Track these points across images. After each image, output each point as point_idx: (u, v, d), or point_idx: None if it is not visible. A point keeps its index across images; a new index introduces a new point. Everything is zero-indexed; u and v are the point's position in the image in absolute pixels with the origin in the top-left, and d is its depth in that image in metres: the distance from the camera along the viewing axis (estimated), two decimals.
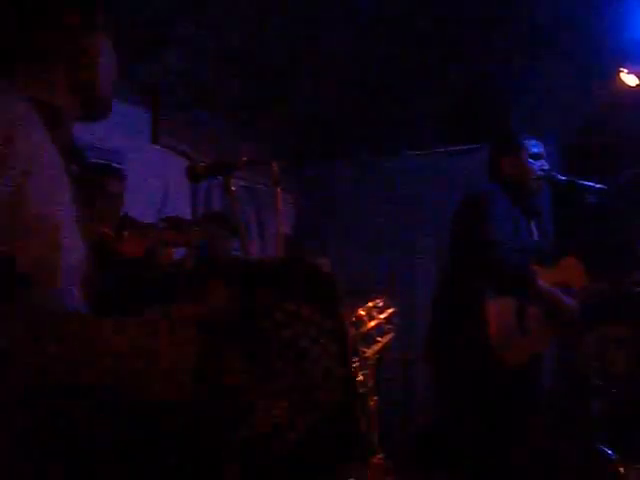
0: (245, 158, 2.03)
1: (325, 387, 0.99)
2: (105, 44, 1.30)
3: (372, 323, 3.44)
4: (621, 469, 3.21)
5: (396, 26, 4.31)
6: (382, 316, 3.42)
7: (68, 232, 1.07)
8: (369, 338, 3.45)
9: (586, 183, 3.19)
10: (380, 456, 3.53)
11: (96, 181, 2.99)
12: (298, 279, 1.01)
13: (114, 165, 3.40)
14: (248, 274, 1.00)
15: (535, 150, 3.22)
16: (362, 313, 3.36)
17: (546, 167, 3.22)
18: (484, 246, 2.93)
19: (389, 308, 3.52)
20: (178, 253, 3.51)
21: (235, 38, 4.23)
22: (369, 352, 3.46)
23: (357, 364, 3.49)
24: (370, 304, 3.50)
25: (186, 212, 4.53)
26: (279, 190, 2.01)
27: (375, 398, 3.49)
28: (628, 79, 4.42)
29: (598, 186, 3.18)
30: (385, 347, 3.60)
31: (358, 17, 4.21)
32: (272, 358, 0.95)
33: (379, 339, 3.48)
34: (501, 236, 2.94)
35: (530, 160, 3.20)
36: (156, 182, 4.24)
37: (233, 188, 2.05)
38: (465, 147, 5.28)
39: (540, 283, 3.01)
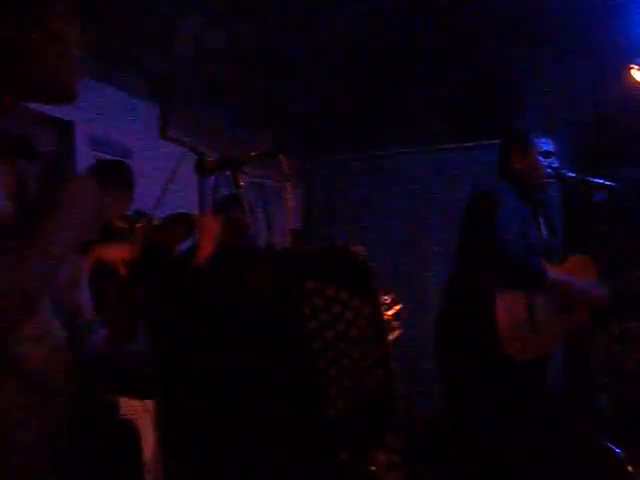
0: (254, 152, 2.02)
1: (363, 367, 1.03)
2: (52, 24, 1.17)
3: None
4: (629, 467, 3.20)
5: (405, 20, 4.30)
6: (389, 313, 3.42)
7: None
8: None
9: (596, 180, 3.17)
10: (387, 452, 3.53)
11: (105, 177, 2.99)
12: (338, 265, 1.05)
13: (122, 160, 3.41)
14: (289, 262, 1.04)
15: (545, 148, 3.20)
16: None
17: (556, 165, 3.20)
18: (493, 244, 2.92)
19: (396, 305, 3.52)
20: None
21: (243, 33, 4.22)
22: None
23: None
24: None
25: (193, 206, 4.53)
26: (289, 184, 2.00)
27: None
28: (639, 76, 4.39)
29: (608, 183, 3.16)
30: (393, 344, 3.60)
31: (366, 11, 4.20)
32: (311, 340, 0.99)
33: None
34: (510, 234, 2.93)
35: (540, 158, 3.18)
36: (165, 176, 4.23)
37: (242, 183, 2.04)
38: (475, 144, 5.26)
39: (555, 275, 3.00)
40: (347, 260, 1.06)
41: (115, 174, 3.12)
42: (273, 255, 1.07)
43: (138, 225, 2.77)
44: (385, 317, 3.43)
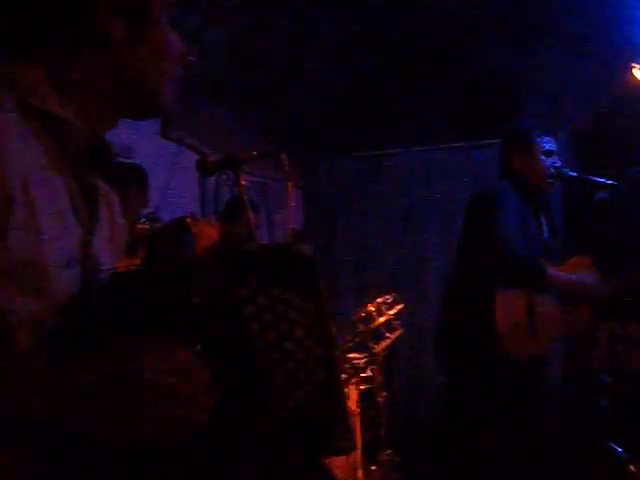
0: (255, 152, 2.02)
1: (307, 368, 1.02)
2: (154, 28, 1.11)
3: (381, 319, 3.44)
4: (631, 467, 3.20)
5: (405, 19, 4.29)
6: (391, 312, 3.43)
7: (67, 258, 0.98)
8: (378, 334, 3.46)
9: (597, 179, 3.16)
10: (388, 451, 3.53)
11: (125, 180, 3.00)
12: (282, 265, 1.03)
13: (134, 162, 3.41)
14: (235, 260, 1.02)
15: (548, 147, 3.20)
16: (371, 309, 3.36)
17: (558, 164, 3.19)
18: (494, 243, 2.91)
19: (398, 304, 3.52)
20: None
21: (244, 31, 4.22)
22: (378, 348, 3.46)
23: (366, 359, 3.50)
24: (379, 300, 3.51)
25: (195, 206, 4.53)
26: (290, 184, 2.01)
27: (384, 394, 3.50)
28: None
29: (609, 182, 3.15)
30: (394, 343, 3.61)
31: (371, 7, 4.19)
32: (254, 340, 0.98)
33: (388, 335, 3.48)
34: (510, 232, 2.93)
35: (542, 157, 3.18)
36: (165, 176, 4.23)
37: (243, 182, 2.05)
38: (475, 143, 5.25)
39: (553, 274, 3.00)
40: (292, 258, 1.05)
41: (135, 178, 3.13)
42: (216, 252, 1.03)
43: (139, 227, 2.77)
44: (386, 317, 3.44)
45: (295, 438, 1.02)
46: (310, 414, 1.03)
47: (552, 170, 3.16)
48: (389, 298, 3.36)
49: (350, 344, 3.39)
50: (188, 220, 2.60)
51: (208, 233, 2.52)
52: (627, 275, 3.25)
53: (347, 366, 3.29)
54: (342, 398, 1.11)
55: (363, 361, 3.43)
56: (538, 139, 3.19)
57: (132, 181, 3.08)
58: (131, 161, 3.41)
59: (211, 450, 0.95)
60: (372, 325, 3.36)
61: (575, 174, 3.20)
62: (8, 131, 0.92)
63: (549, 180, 3.18)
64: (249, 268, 1.01)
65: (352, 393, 3.24)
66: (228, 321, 0.97)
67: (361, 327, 3.37)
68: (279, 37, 4.34)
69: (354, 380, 3.30)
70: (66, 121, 1.02)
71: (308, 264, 1.06)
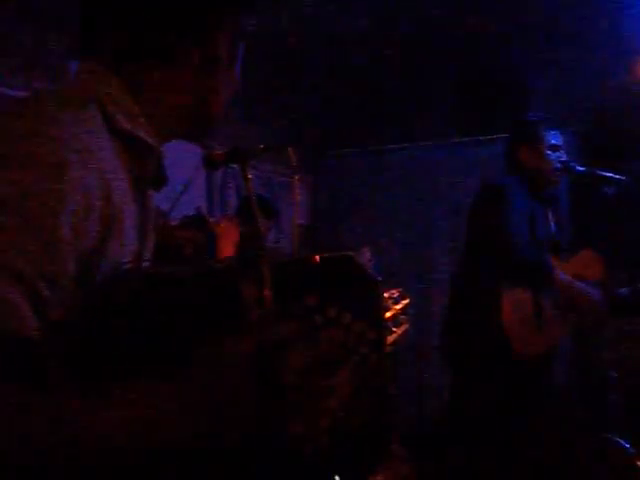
0: (262, 145, 2.02)
1: (360, 399, 0.94)
2: (233, 50, 1.13)
3: (388, 314, 3.43)
4: (638, 462, 3.19)
5: (412, 13, 4.28)
6: (398, 307, 3.41)
7: None
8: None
9: (604, 174, 3.15)
10: (395, 445, 3.53)
11: None
12: (341, 280, 0.93)
13: None
14: (288, 274, 0.92)
15: (553, 141, 3.19)
16: None
17: (564, 158, 3.18)
18: (500, 238, 2.91)
19: (404, 299, 3.51)
20: None
21: (250, 24, 4.21)
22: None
23: None
24: (385, 295, 3.50)
25: (201, 200, 4.53)
26: (297, 178, 2.00)
27: (393, 387, 3.50)
28: None
29: (617, 177, 3.14)
30: (400, 337, 3.59)
31: (374, 2, 4.19)
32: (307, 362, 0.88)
33: (395, 330, 3.47)
34: (517, 228, 2.92)
35: (548, 152, 3.16)
36: (171, 171, 4.23)
37: (250, 176, 2.04)
38: (482, 137, 5.24)
39: (558, 275, 2.99)
40: (352, 274, 0.94)
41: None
42: (270, 263, 0.90)
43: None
44: (393, 311, 3.43)
45: (344, 459, 0.96)
46: (360, 443, 0.96)
47: (558, 164, 3.15)
48: (395, 293, 3.35)
49: None
50: (210, 220, 2.58)
51: (229, 233, 2.50)
52: (635, 269, 3.24)
53: None
54: (391, 430, 1.05)
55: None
56: (544, 133, 3.18)
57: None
58: None
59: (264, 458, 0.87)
60: None
61: (582, 168, 3.19)
62: (104, 149, 0.93)
63: (555, 174, 3.17)
64: (310, 282, 0.91)
65: None
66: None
67: None
68: (282, 32, 4.34)
69: None
70: (151, 146, 1.04)
71: (370, 282, 0.96)
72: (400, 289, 3.34)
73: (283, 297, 0.88)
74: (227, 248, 2.82)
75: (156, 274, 0.91)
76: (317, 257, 0.95)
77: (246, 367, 0.82)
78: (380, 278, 0.97)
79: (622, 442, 3.32)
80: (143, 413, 0.79)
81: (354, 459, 0.97)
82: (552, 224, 3.25)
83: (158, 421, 0.79)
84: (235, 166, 2.08)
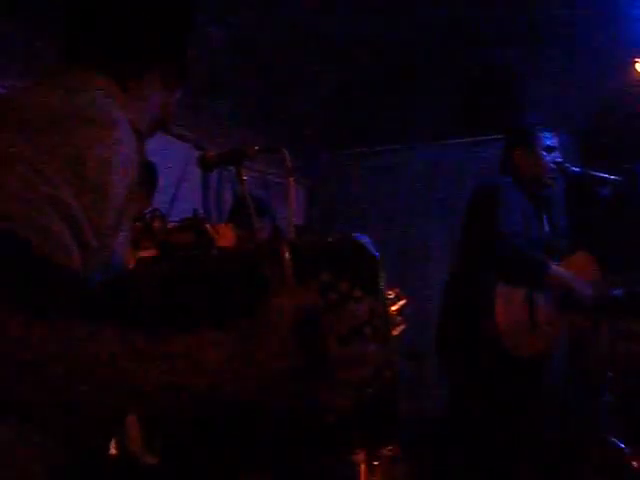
0: (257, 147, 2.02)
1: (376, 367, 0.99)
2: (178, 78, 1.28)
3: None
4: (634, 463, 3.20)
5: (412, 14, 4.29)
6: (394, 308, 3.41)
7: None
8: None
9: (600, 175, 3.15)
10: (390, 446, 3.53)
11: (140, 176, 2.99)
12: (349, 258, 1.02)
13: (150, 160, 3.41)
14: (303, 254, 0.99)
15: (549, 142, 3.19)
16: None
17: (559, 160, 3.19)
18: (495, 238, 2.91)
19: (401, 299, 3.51)
20: None
21: (246, 26, 4.21)
22: None
23: None
24: None
25: (197, 201, 4.53)
26: (292, 180, 2.00)
27: None
28: None
29: (612, 178, 3.15)
30: (397, 338, 3.59)
31: (374, 4, 4.19)
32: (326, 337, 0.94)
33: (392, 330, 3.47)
34: (512, 228, 2.93)
35: (544, 153, 3.17)
36: (167, 172, 4.22)
37: (245, 177, 2.04)
38: (478, 139, 5.25)
39: (553, 269, 2.98)
40: (357, 252, 1.03)
41: (147, 174, 3.13)
42: (287, 243, 1.00)
43: (154, 225, 2.77)
44: (391, 314, 3.44)
45: (360, 431, 1.02)
46: (372, 414, 1.02)
47: (553, 166, 3.16)
48: (392, 293, 3.35)
49: None
50: (207, 225, 2.59)
51: (226, 236, 2.52)
52: (630, 271, 3.24)
53: None
54: (398, 399, 1.09)
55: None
56: (539, 135, 3.18)
57: (144, 178, 3.07)
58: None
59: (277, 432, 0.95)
60: None
61: (577, 170, 3.19)
62: (131, 135, 1.04)
63: (550, 176, 3.18)
64: (323, 261, 0.99)
65: None
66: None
67: None
68: (280, 34, 4.34)
69: None
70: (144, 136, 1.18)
71: (373, 260, 1.04)
72: (397, 290, 3.33)
73: (301, 275, 0.96)
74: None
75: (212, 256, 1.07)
76: (328, 239, 1.07)
77: (290, 323, 0.89)
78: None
79: (618, 442, 3.32)
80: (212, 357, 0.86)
81: (367, 433, 1.04)
82: (547, 225, 3.25)
83: (222, 370, 0.86)
84: (230, 167, 2.08)
